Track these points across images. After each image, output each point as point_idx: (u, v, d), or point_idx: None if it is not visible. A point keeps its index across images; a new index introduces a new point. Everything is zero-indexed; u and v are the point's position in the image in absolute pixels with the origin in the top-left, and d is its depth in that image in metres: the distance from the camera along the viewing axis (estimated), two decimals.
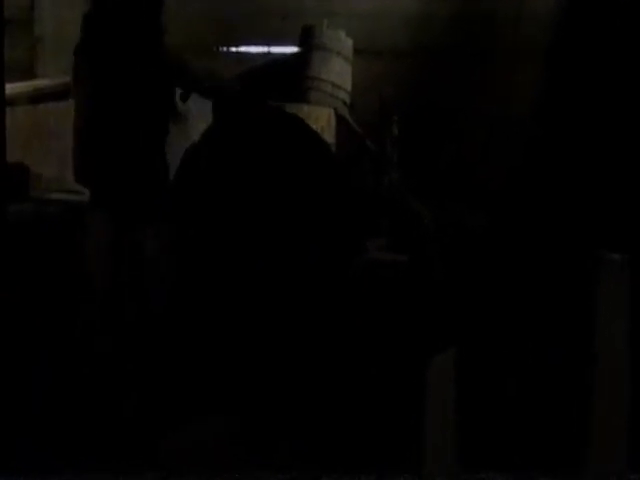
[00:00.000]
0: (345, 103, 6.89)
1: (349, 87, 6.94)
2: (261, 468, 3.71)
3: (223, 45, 7.32)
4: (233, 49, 7.35)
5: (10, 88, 4.95)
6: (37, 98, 5.79)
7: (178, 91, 4.50)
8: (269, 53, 7.31)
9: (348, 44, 7.00)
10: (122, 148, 3.95)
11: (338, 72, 6.88)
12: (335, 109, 6.67)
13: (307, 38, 6.94)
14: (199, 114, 5.07)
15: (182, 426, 4.17)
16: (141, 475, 3.53)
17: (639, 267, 3.16)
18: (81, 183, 4.05)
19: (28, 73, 6.57)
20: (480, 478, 3.21)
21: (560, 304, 4.28)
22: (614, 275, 3.10)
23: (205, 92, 4.47)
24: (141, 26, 3.95)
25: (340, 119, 6.64)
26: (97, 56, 3.91)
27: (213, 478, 3.43)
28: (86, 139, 3.95)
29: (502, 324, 4.43)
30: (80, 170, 3.99)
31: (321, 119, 6.35)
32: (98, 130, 3.94)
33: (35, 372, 4.25)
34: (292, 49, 7.09)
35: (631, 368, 3.11)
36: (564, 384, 3.97)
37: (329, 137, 6.19)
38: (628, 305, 3.08)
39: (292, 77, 6.84)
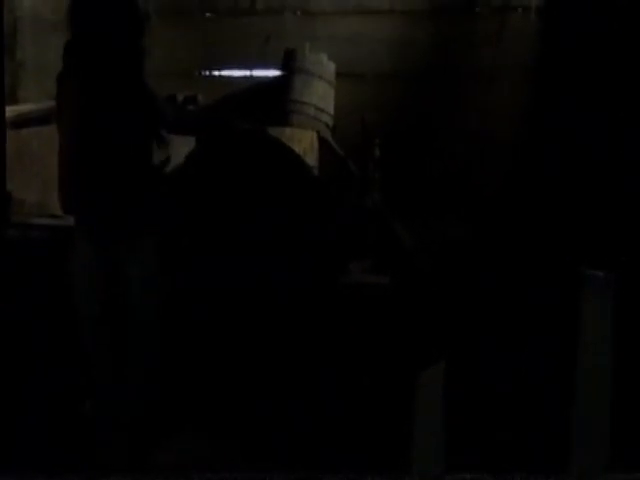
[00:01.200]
0: (328, 126, 6.92)
1: (331, 110, 6.97)
2: (259, 469, 3.72)
3: (205, 69, 7.34)
4: (215, 73, 7.37)
5: None
6: (20, 123, 5.79)
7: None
8: (251, 76, 7.33)
9: (330, 67, 7.03)
10: (107, 173, 3.94)
11: (320, 95, 6.90)
12: (318, 132, 6.70)
13: (289, 61, 6.97)
14: (181, 138, 5.08)
15: (177, 432, 4.19)
16: (139, 477, 3.54)
17: (623, 284, 3.20)
18: (67, 211, 4.04)
19: (10, 98, 6.57)
20: (467, 478, 3.22)
21: (546, 316, 4.32)
22: (598, 292, 3.12)
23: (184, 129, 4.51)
24: (122, 52, 3.96)
25: (323, 142, 6.66)
26: (79, 83, 3.90)
27: (212, 477, 3.43)
28: (70, 166, 3.94)
29: (489, 333, 4.47)
30: (66, 197, 3.97)
31: (304, 142, 6.37)
32: (82, 156, 3.93)
33: (27, 386, 4.27)
34: (274, 72, 7.12)
35: (614, 381, 3.15)
36: (549, 392, 4.01)
37: (312, 159, 6.21)
38: (611, 321, 3.12)
39: (275, 100, 6.86)
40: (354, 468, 3.50)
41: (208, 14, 7.40)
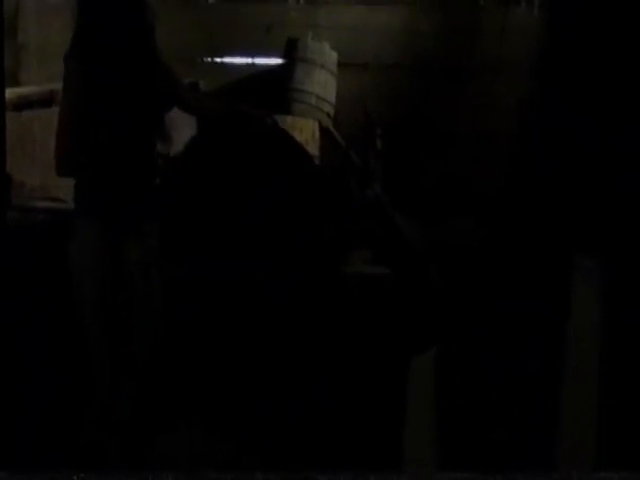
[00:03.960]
0: (329, 115, 6.90)
1: (333, 99, 6.96)
2: (253, 468, 3.69)
3: (207, 56, 7.31)
4: (217, 60, 7.34)
5: None
6: (21, 105, 5.75)
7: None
8: (253, 64, 7.31)
9: (332, 57, 7.02)
10: (110, 155, 3.92)
11: (322, 84, 6.89)
12: (319, 121, 6.68)
13: (291, 50, 6.96)
14: (183, 123, 5.06)
15: (171, 428, 4.16)
16: (135, 475, 3.51)
17: (612, 272, 3.19)
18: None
19: (12, 80, 6.53)
20: (457, 478, 3.22)
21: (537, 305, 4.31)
22: (588, 280, 3.12)
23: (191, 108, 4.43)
24: (132, 32, 3.93)
25: (324, 131, 6.65)
26: (88, 62, 3.88)
27: (205, 478, 3.41)
28: (73, 145, 3.91)
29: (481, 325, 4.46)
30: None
31: (305, 131, 6.35)
32: (86, 134, 3.90)
33: (27, 375, 4.23)
34: (276, 61, 7.10)
35: (601, 371, 3.15)
36: (538, 385, 4.01)
37: (313, 149, 6.19)
38: (600, 310, 3.11)
39: (276, 89, 6.85)
40: (347, 466, 3.49)
41: (211, 0, 7.38)
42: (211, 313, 4.50)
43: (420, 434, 2.93)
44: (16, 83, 6.53)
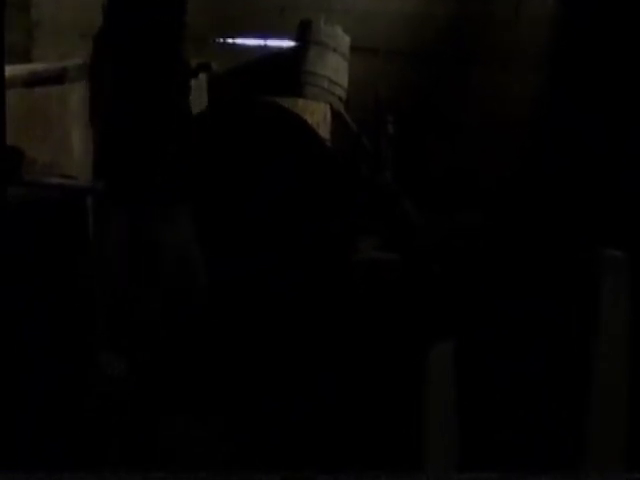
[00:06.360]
0: (341, 99, 6.90)
1: (345, 83, 6.95)
2: (253, 468, 3.69)
3: (220, 37, 7.30)
4: (230, 41, 7.33)
5: (5, 71, 4.91)
6: (32, 82, 5.75)
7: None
8: (266, 46, 7.30)
9: (345, 40, 7.00)
10: (139, 138, 3.93)
11: (334, 68, 6.88)
12: (331, 105, 6.67)
13: (304, 33, 6.95)
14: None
15: (170, 425, 4.14)
16: (132, 474, 3.50)
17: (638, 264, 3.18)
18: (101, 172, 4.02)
19: (24, 57, 6.54)
20: (479, 477, 3.22)
21: (560, 298, 4.29)
22: (616, 272, 3.11)
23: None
24: (164, 16, 3.93)
25: (336, 115, 6.65)
26: (118, 43, 3.88)
27: (205, 477, 3.40)
28: (105, 128, 3.92)
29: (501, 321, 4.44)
30: (100, 159, 3.96)
31: (317, 114, 6.35)
32: (116, 119, 3.91)
33: (32, 367, 4.20)
34: (289, 43, 7.09)
35: (632, 365, 3.13)
36: (562, 382, 3.99)
37: (324, 132, 6.19)
38: (629, 302, 3.10)
39: (288, 71, 6.84)
40: (355, 466, 3.47)
41: None
42: (215, 308, 4.48)
43: (440, 433, 2.91)
44: (28, 60, 6.54)
